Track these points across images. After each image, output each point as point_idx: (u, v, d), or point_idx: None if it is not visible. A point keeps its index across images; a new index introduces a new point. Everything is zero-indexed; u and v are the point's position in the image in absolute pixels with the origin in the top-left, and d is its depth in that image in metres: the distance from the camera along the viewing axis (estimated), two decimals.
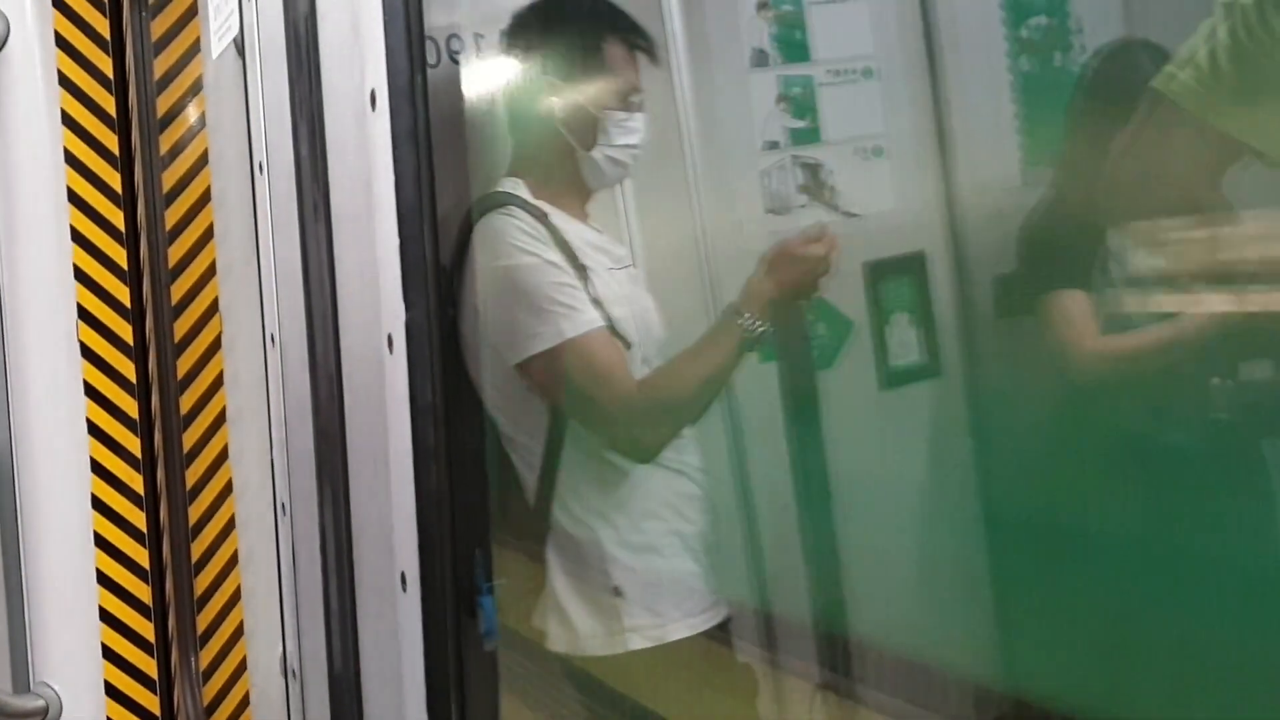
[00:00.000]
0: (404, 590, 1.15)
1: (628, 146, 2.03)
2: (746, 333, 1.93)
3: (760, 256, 1.97)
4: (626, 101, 2.03)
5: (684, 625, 2.01)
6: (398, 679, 1.18)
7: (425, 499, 1.14)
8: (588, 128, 2.01)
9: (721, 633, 2.07)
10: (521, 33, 2.11)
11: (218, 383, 2.10)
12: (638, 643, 1.98)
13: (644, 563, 2.01)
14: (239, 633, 2.09)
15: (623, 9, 2.10)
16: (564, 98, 2.03)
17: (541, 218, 1.99)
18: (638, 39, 2.06)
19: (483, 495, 1.82)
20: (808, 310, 2.23)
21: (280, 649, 1.53)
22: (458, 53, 2.21)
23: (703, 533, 2.07)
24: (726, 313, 1.96)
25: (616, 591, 1.99)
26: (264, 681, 1.93)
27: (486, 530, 1.75)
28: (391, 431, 1.16)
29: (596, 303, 1.95)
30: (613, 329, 1.96)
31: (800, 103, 2.48)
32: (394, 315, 1.14)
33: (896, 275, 2.43)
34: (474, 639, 1.41)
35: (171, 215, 2.11)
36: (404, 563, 1.16)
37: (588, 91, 2.03)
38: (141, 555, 2.07)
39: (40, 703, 2.04)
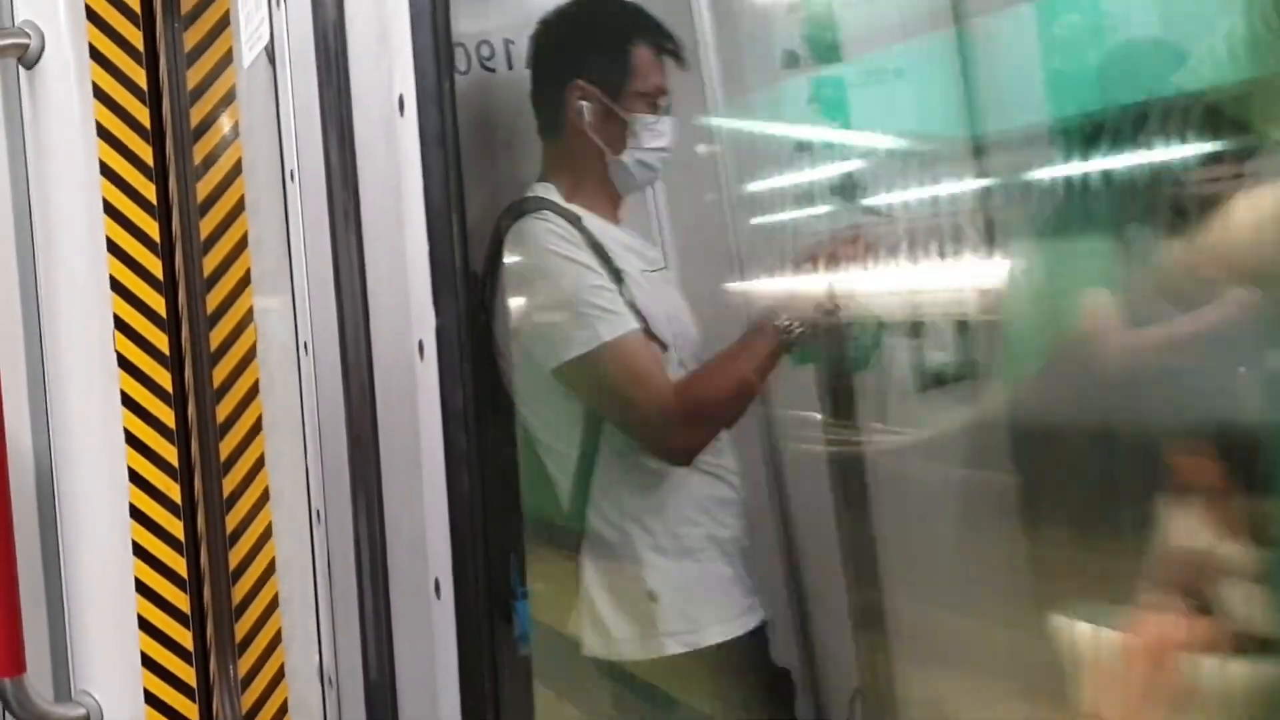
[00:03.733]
0: (438, 597, 1.15)
1: (657, 150, 2.02)
2: (783, 335, 1.91)
3: (794, 258, 1.96)
4: (655, 105, 2.03)
5: (719, 630, 2.00)
6: (432, 686, 1.17)
7: (457, 505, 1.13)
8: (617, 132, 2.01)
9: (757, 637, 2.06)
10: (550, 38, 2.11)
11: (253, 391, 2.11)
12: (672, 647, 1.97)
13: (679, 567, 2.00)
14: (277, 640, 2.10)
15: (651, 13, 2.10)
16: (593, 102, 2.02)
17: (575, 221, 1.98)
18: (665, 43, 2.05)
19: (515, 500, 1.82)
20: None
21: (317, 656, 1.53)
22: (488, 59, 2.22)
23: (738, 537, 2.06)
24: (763, 315, 1.95)
25: (651, 596, 1.98)
26: (303, 688, 1.93)
27: (520, 535, 1.75)
28: (423, 438, 1.16)
29: (631, 305, 1.94)
30: (648, 331, 1.96)
31: (831, 103, 2.46)
32: (424, 321, 1.13)
33: None
34: (508, 644, 1.41)
35: (206, 225, 2.13)
36: (437, 569, 1.15)
37: (616, 96, 2.02)
38: (180, 564, 2.08)
39: (81, 711, 2.06)
